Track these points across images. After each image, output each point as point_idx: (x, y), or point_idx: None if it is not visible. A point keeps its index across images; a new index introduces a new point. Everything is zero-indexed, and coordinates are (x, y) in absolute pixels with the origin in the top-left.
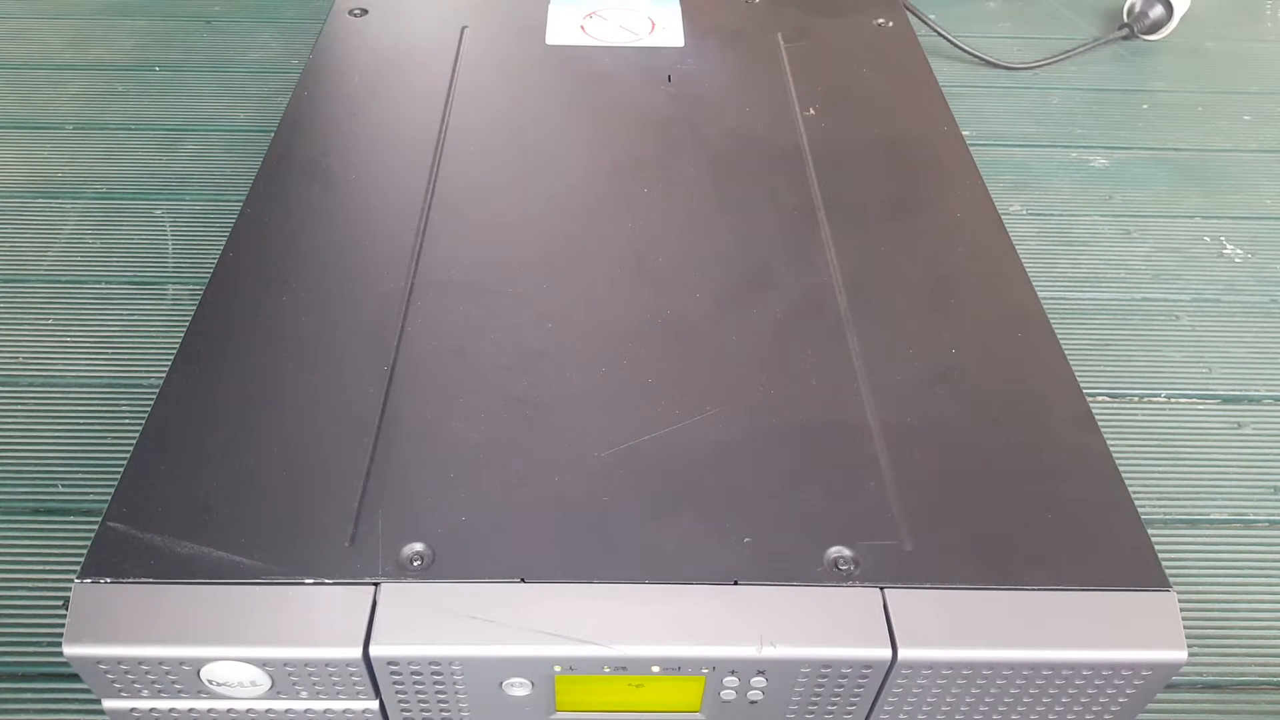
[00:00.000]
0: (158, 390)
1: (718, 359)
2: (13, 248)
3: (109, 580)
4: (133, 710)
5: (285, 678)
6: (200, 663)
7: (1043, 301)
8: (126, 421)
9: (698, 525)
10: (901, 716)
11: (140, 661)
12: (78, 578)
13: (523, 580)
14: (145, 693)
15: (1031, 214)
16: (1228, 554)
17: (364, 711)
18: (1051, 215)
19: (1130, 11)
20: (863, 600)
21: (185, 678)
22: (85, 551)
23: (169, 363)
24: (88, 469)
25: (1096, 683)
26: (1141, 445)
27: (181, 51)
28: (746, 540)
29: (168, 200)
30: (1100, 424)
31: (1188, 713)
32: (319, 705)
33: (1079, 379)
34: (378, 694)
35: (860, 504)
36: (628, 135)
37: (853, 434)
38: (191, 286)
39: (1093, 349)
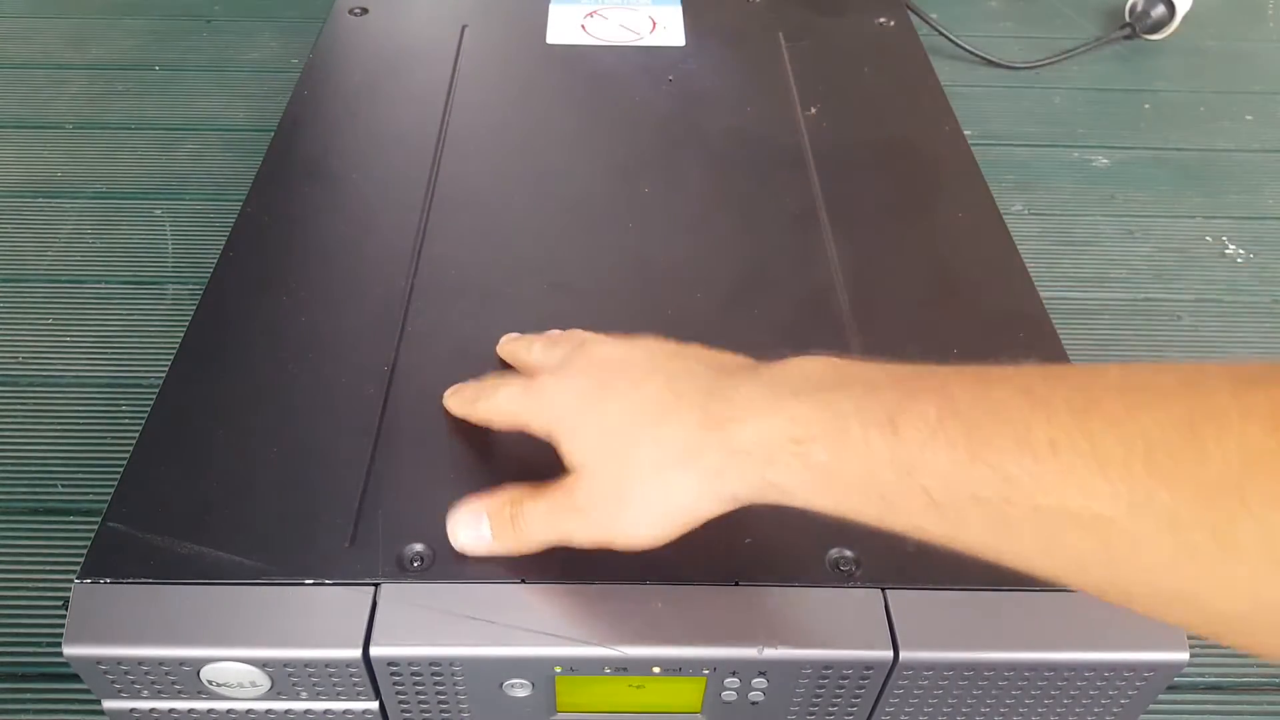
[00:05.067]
0: (158, 390)
1: None
2: (13, 247)
3: (109, 580)
4: (133, 710)
5: (285, 678)
6: (200, 663)
7: (1045, 301)
8: (126, 421)
9: (698, 525)
10: (903, 718)
11: (140, 662)
12: (77, 578)
13: (523, 580)
14: (145, 693)
15: (1033, 214)
16: None
17: (364, 712)
18: (1053, 215)
19: (1132, 11)
20: (864, 601)
21: (185, 678)
22: (85, 551)
23: (169, 363)
24: (88, 469)
25: (1099, 684)
26: None
27: (181, 51)
28: (747, 541)
29: (167, 200)
30: None
31: (1190, 714)
32: (319, 706)
33: None
34: (378, 695)
35: None
36: (629, 135)
37: None
38: (191, 286)
39: (1095, 349)
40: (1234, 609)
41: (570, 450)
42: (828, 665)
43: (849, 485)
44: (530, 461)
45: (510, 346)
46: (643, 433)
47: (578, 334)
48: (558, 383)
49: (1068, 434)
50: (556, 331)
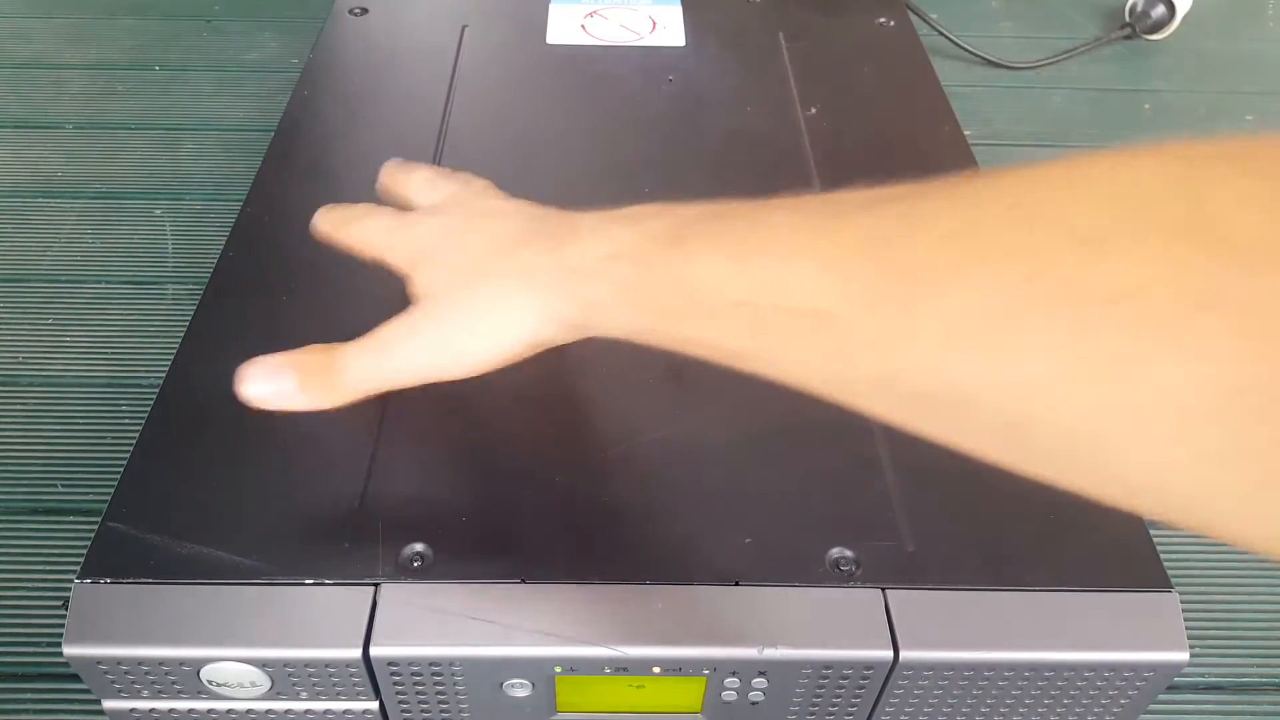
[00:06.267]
0: (158, 390)
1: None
2: (12, 247)
3: (109, 580)
4: (132, 711)
5: (285, 678)
6: (200, 663)
7: None
8: (126, 421)
9: (698, 525)
10: (903, 717)
11: (140, 662)
12: (77, 578)
13: (523, 580)
14: (145, 693)
15: None
16: (1230, 555)
17: (364, 712)
18: None
19: (1132, 11)
20: (864, 601)
21: (185, 678)
22: (85, 551)
23: (169, 363)
24: (88, 469)
25: (1098, 684)
26: None
27: (181, 51)
28: (748, 541)
29: (167, 200)
30: None
31: (1189, 714)
32: (319, 706)
33: None
34: (378, 695)
35: (862, 504)
36: (628, 135)
37: (854, 434)
38: (191, 286)
39: None
40: (924, 388)
41: (423, 281)
42: (828, 665)
43: (645, 302)
44: (532, 457)
45: (392, 176)
46: (495, 260)
47: (464, 176)
48: (429, 218)
49: (808, 239)
50: (444, 170)
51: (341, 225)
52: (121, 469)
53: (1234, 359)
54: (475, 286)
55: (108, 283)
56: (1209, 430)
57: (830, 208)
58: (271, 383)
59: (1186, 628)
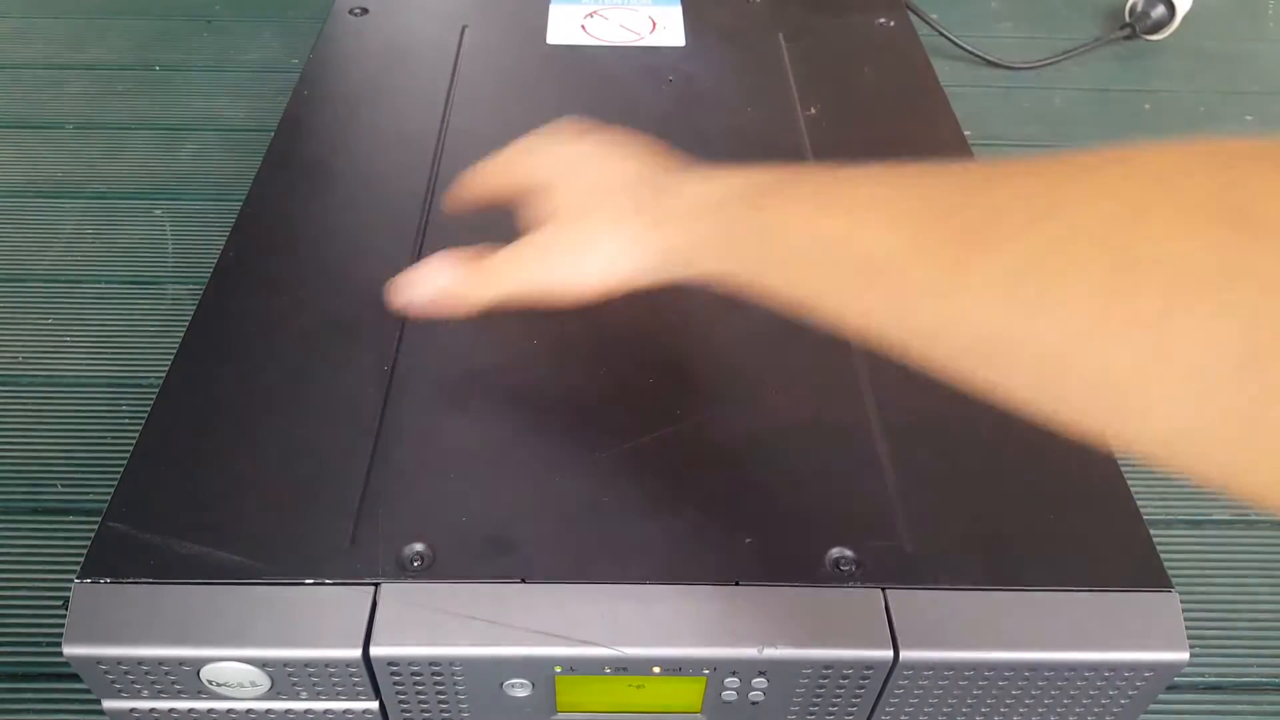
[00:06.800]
0: (158, 390)
1: (718, 359)
2: (13, 247)
3: (109, 580)
4: (133, 710)
5: (285, 678)
6: (200, 663)
7: None
8: (126, 421)
9: (698, 525)
10: (903, 717)
11: (140, 661)
12: (77, 578)
13: (523, 580)
14: (145, 693)
15: None
16: (1230, 554)
17: (364, 712)
18: None
19: (1132, 11)
20: (864, 601)
21: (185, 678)
22: (85, 551)
23: (169, 363)
24: (88, 469)
25: (1098, 683)
26: None
27: (181, 51)
28: (748, 541)
29: (167, 200)
30: None
31: (1190, 714)
32: (319, 706)
33: None
34: (378, 694)
35: (862, 504)
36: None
37: (854, 434)
38: (191, 286)
39: None
40: (970, 334)
41: (552, 203)
42: (828, 665)
43: (728, 249)
44: (532, 457)
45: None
46: (612, 195)
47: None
48: (557, 148)
49: (871, 201)
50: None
51: (482, 174)
52: (121, 469)
53: (1259, 324)
54: (594, 216)
55: (108, 283)
56: (1228, 386)
57: (889, 175)
58: (437, 277)
59: (1186, 628)
